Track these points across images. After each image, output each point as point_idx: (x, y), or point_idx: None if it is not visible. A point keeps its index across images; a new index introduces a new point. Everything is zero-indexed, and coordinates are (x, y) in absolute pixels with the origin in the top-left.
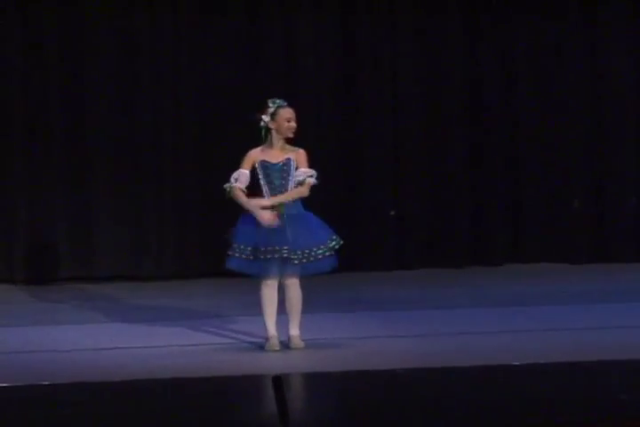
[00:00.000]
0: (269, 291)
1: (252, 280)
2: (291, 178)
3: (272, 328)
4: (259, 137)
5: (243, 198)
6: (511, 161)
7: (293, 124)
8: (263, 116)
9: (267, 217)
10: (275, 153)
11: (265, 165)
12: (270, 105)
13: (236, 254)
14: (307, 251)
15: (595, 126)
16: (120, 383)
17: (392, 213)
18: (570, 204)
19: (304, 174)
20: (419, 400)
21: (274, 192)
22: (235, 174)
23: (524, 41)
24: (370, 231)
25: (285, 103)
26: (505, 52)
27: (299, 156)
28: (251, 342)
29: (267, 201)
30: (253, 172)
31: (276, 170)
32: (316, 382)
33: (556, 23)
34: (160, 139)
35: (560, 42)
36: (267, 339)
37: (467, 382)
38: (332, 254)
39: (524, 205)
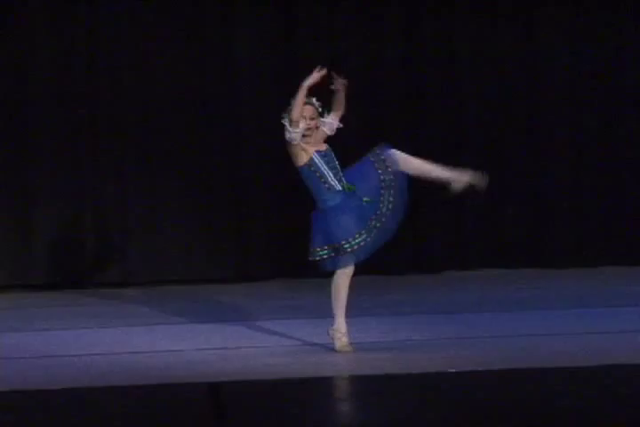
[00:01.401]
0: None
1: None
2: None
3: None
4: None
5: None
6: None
7: (309, 121)
8: (285, 115)
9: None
10: (318, 145)
11: (322, 154)
12: (291, 104)
13: (324, 256)
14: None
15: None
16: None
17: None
18: (507, 210)
19: (333, 121)
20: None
21: (337, 176)
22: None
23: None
24: None
25: (307, 100)
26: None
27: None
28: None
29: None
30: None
31: (330, 155)
32: (256, 389)
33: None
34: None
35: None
36: (337, 338)
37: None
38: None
39: (465, 211)
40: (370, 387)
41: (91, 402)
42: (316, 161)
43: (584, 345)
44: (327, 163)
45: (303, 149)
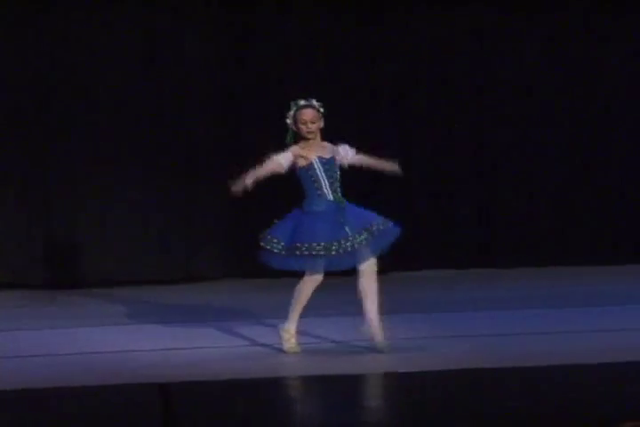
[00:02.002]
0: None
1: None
2: (339, 172)
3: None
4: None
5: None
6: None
7: (310, 125)
8: (287, 120)
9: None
10: (320, 150)
11: (323, 161)
12: (291, 107)
13: (274, 250)
14: (367, 228)
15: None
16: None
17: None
18: (458, 210)
19: (351, 150)
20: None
21: (333, 186)
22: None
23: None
24: None
25: (306, 103)
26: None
27: (330, 147)
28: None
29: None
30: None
31: (332, 164)
32: (206, 390)
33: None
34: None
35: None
36: (286, 339)
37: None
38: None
39: (415, 213)
40: (318, 388)
41: (40, 403)
42: (315, 166)
43: (531, 346)
44: (326, 171)
45: (302, 156)
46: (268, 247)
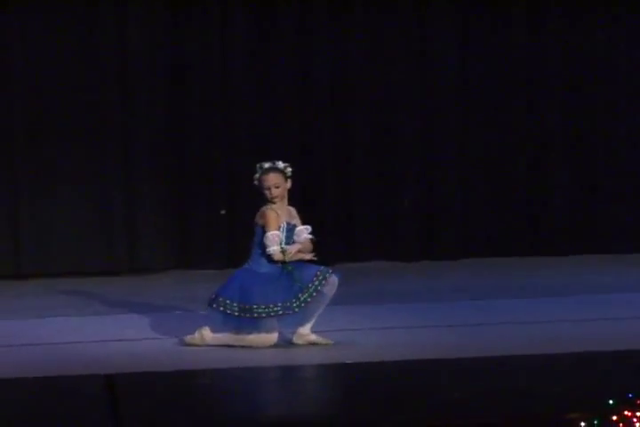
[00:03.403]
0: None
1: None
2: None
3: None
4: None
5: (292, 250)
6: (341, 163)
7: (273, 191)
8: (255, 182)
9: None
10: (287, 213)
11: (289, 227)
12: (257, 170)
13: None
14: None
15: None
16: None
17: (222, 211)
18: (400, 203)
19: (306, 231)
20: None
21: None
22: (275, 238)
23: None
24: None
25: (270, 166)
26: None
27: (295, 214)
28: None
29: (299, 246)
30: None
31: (292, 230)
32: (150, 380)
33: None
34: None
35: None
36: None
37: None
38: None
39: (355, 205)
40: (265, 378)
41: None
42: (282, 230)
43: (473, 336)
44: (287, 237)
45: (277, 215)
46: (221, 309)
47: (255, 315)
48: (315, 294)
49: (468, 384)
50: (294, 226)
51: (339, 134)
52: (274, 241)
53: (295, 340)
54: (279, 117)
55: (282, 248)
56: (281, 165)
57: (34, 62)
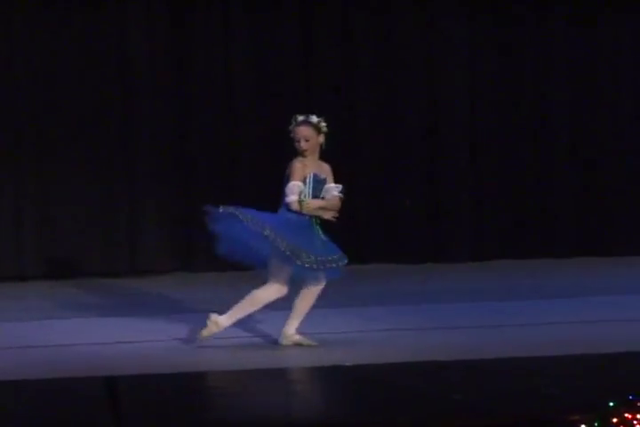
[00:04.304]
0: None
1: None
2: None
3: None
4: None
5: (314, 204)
6: (345, 163)
7: (303, 143)
8: (291, 134)
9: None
10: (317, 167)
11: (317, 179)
12: (292, 122)
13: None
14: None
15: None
16: None
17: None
18: (402, 203)
19: (336, 189)
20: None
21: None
22: (294, 188)
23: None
24: None
25: (302, 119)
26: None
27: (329, 170)
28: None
29: (323, 202)
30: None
31: (322, 183)
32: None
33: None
34: None
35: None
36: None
37: None
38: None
39: (359, 206)
40: (264, 380)
41: None
42: (308, 181)
43: (479, 338)
44: (314, 189)
45: (304, 166)
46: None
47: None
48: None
49: (471, 386)
50: (325, 180)
51: (342, 135)
52: (293, 190)
53: (280, 340)
54: (282, 118)
55: (300, 199)
56: (314, 119)
57: (37, 63)
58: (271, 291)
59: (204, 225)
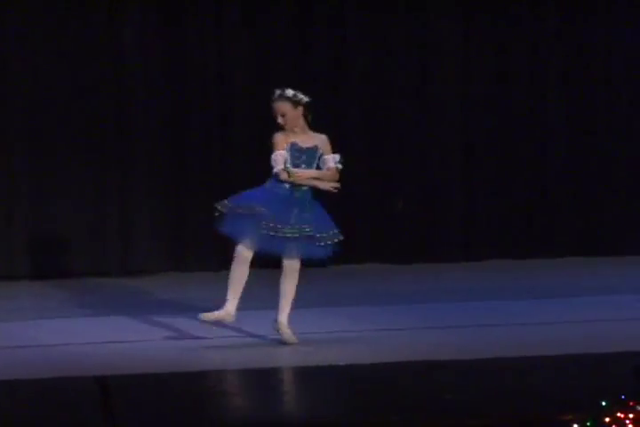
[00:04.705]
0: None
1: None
2: (314, 164)
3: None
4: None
5: (302, 173)
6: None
7: (279, 119)
8: None
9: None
10: (301, 137)
11: (296, 148)
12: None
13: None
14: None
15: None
16: None
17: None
18: (395, 205)
19: (333, 160)
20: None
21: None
22: (278, 157)
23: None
24: None
25: (278, 94)
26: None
27: (324, 141)
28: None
29: (316, 173)
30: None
31: (303, 153)
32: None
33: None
34: None
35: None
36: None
37: None
38: (330, 243)
39: (351, 206)
40: (256, 380)
41: None
42: (287, 149)
43: (475, 338)
44: (295, 158)
45: (285, 137)
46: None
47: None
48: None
49: (465, 386)
50: (309, 149)
51: (335, 134)
52: (277, 161)
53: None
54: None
55: (286, 168)
56: (290, 92)
57: (31, 65)
58: (241, 254)
59: (198, 225)
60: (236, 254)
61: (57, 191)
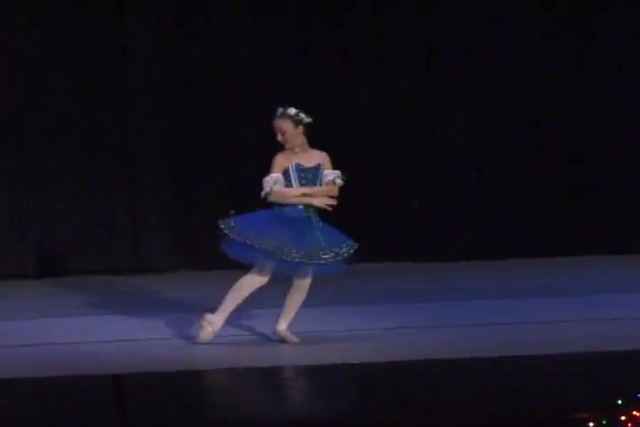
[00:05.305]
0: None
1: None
2: (319, 182)
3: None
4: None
5: (287, 192)
6: (348, 162)
7: (279, 137)
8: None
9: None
10: (303, 156)
11: (300, 168)
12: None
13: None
14: (329, 251)
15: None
16: None
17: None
18: (411, 204)
19: (333, 175)
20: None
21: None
22: (267, 180)
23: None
24: None
25: (279, 112)
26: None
27: (324, 158)
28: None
29: (308, 189)
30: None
31: (309, 172)
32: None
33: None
34: None
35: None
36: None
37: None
38: (341, 259)
39: (362, 205)
40: (269, 378)
41: None
42: (290, 173)
43: (483, 336)
44: (301, 178)
45: (285, 158)
46: (231, 236)
47: (256, 246)
48: (328, 258)
49: (472, 384)
50: (313, 168)
51: (346, 134)
52: (267, 183)
53: (272, 335)
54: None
55: (270, 189)
56: (292, 111)
57: (36, 64)
58: (253, 279)
59: (209, 222)
60: (248, 280)
61: (67, 190)
